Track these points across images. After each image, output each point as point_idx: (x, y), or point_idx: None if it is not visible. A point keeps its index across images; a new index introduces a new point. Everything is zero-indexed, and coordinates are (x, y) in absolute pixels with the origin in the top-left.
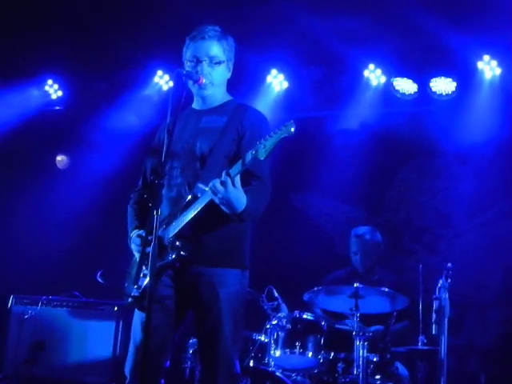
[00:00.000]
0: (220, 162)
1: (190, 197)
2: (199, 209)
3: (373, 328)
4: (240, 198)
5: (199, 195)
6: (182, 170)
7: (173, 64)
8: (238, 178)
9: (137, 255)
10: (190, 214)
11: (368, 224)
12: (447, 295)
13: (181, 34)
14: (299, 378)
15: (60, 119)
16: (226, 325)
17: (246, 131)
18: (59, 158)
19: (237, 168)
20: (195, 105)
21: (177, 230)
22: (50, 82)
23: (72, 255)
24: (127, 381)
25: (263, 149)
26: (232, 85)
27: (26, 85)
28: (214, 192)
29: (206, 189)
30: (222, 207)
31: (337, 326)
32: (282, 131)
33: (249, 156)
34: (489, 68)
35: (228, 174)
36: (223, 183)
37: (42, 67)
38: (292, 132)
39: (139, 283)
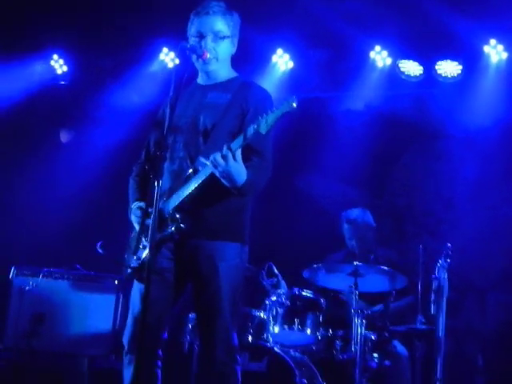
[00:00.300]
0: (223, 138)
1: (191, 170)
2: (200, 182)
3: (376, 308)
4: (240, 171)
5: (200, 169)
6: (184, 144)
7: (178, 41)
8: (239, 152)
9: (137, 227)
10: (191, 187)
11: (372, 208)
12: (446, 275)
13: (187, 12)
14: (297, 354)
15: (65, 94)
16: (224, 298)
17: (251, 108)
18: (63, 132)
19: (238, 141)
20: (200, 80)
21: (177, 203)
22: (55, 56)
23: (75, 228)
24: (124, 351)
25: (265, 123)
26: (237, 63)
27: (31, 59)
28: (215, 165)
29: (207, 162)
30: (223, 180)
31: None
32: (284, 106)
33: (251, 130)
34: (495, 52)
35: (229, 148)
36: (224, 157)
37: (47, 42)
38: (294, 107)
39: (138, 254)
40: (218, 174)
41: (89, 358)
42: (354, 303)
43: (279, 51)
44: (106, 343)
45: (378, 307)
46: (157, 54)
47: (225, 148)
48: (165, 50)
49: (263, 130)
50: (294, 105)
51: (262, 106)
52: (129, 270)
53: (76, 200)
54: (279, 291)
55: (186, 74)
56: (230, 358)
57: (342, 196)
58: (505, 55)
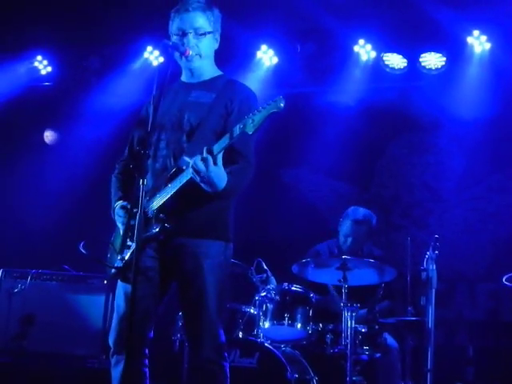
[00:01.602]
0: (207, 137)
1: (174, 169)
2: (183, 182)
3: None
4: (221, 176)
5: (184, 168)
6: (168, 143)
7: (161, 39)
8: (220, 156)
9: (120, 227)
10: (175, 187)
11: (359, 200)
12: (434, 266)
13: (171, 9)
14: (288, 349)
15: (49, 95)
16: (210, 295)
17: (235, 107)
18: (47, 133)
19: (224, 142)
20: (184, 78)
21: (161, 203)
22: (39, 57)
23: (63, 229)
24: (111, 351)
25: (251, 123)
26: (222, 60)
27: (15, 60)
28: (196, 170)
29: (190, 161)
30: (203, 185)
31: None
32: (271, 106)
33: (237, 130)
34: (478, 43)
35: (209, 151)
36: (204, 160)
37: (31, 43)
38: (281, 107)
39: (123, 254)
40: (198, 180)
41: (80, 359)
42: (344, 297)
43: (263, 47)
44: (97, 343)
45: (361, 312)
46: (141, 53)
47: (205, 151)
48: (149, 48)
49: (249, 130)
50: (282, 105)
51: (246, 105)
52: (112, 271)
53: (63, 200)
54: (269, 287)
55: (168, 71)
56: (218, 356)
57: (329, 189)
58: (488, 46)
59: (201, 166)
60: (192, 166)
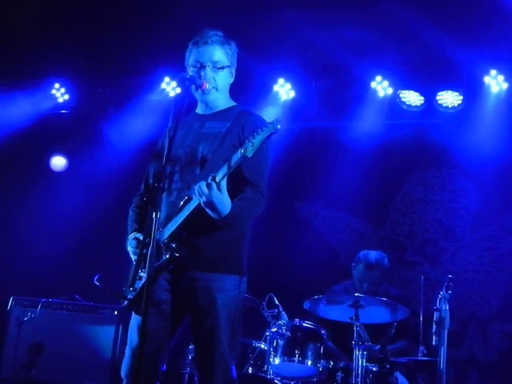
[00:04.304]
0: (218, 167)
1: (185, 198)
2: (192, 209)
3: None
4: (224, 202)
5: (194, 197)
6: (182, 175)
7: (179, 71)
8: (223, 183)
9: (133, 257)
10: (184, 215)
11: (373, 237)
12: (447, 306)
13: (188, 42)
14: None
15: (66, 123)
16: (222, 330)
17: (247, 138)
18: (58, 160)
19: (226, 167)
20: (199, 110)
21: (171, 231)
22: (57, 85)
23: (73, 258)
24: (124, 383)
25: (251, 147)
26: (239, 93)
27: (33, 88)
28: (200, 194)
29: (196, 186)
30: (207, 210)
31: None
32: (268, 128)
33: (238, 154)
34: (495, 82)
35: (213, 179)
36: (208, 185)
37: (49, 71)
38: (278, 129)
39: (135, 286)
40: (202, 204)
41: None
42: (355, 335)
43: (281, 81)
44: (106, 374)
45: (377, 346)
46: (158, 84)
47: (210, 177)
48: (166, 79)
49: (249, 153)
50: (279, 127)
51: None
52: (125, 302)
53: (76, 229)
54: (280, 322)
55: (184, 104)
56: None
57: (343, 225)
58: (505, 85)
59: (205, 189)
60: (197, 189)
